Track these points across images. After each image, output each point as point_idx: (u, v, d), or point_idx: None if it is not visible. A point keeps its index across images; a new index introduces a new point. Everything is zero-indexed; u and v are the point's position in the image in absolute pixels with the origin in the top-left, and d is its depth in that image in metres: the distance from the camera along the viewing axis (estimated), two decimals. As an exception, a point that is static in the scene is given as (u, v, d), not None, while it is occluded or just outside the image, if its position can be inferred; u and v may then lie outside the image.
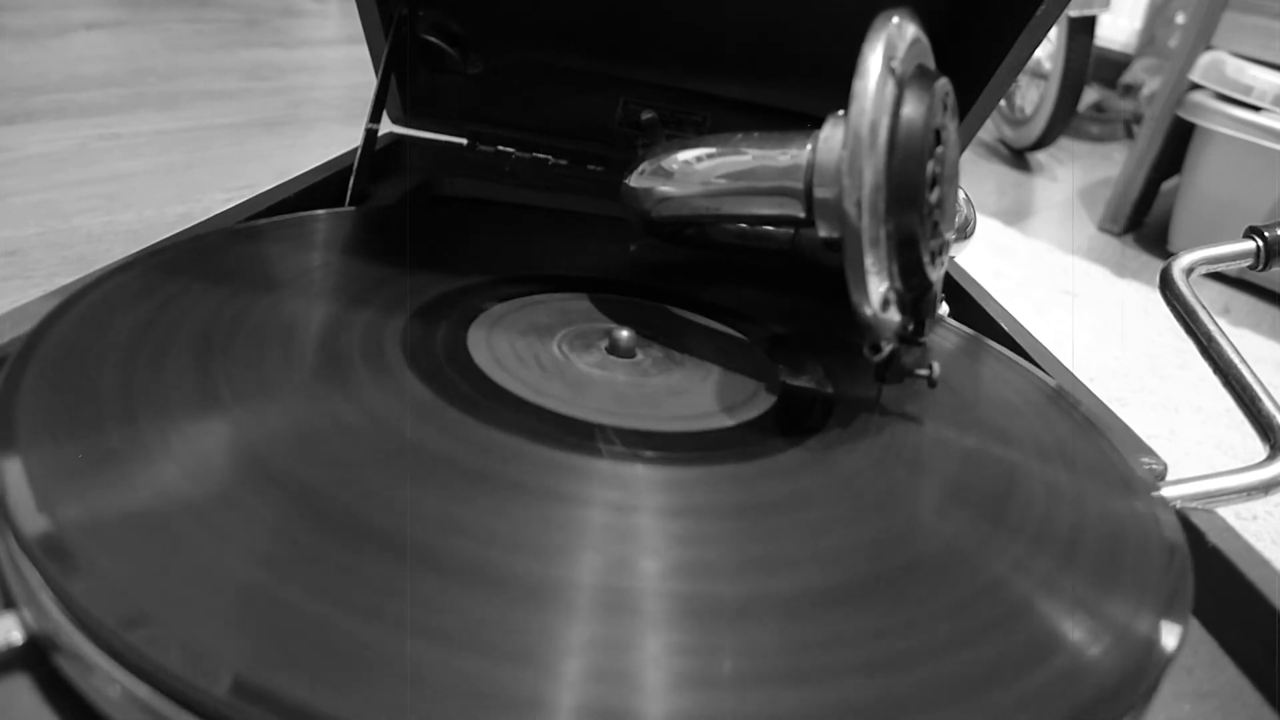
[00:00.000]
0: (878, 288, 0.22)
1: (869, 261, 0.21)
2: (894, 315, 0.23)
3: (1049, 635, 0.18)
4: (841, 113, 0.23)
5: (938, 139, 0.23)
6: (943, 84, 0.23)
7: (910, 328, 0.24)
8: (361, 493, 0.18)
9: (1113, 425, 0.28)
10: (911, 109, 0.21)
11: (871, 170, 0.21)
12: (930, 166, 0.22)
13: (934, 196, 0.23)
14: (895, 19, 0.22)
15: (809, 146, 0.24)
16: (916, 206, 0.22)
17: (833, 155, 0.23)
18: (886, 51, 0.21)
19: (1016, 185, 1.28)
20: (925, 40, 0.24)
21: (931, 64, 0.24)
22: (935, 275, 0.24)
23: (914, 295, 0.24)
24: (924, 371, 0.25)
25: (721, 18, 0.42)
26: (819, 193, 0.23)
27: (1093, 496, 0.23)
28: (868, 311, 0.22)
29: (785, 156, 0.24)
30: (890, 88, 0.21)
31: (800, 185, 0.24)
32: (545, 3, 0.43)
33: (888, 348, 0.24)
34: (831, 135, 0.23)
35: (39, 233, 0.60)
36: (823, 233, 0.24)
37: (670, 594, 0.17)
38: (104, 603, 0.14)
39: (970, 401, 0.28)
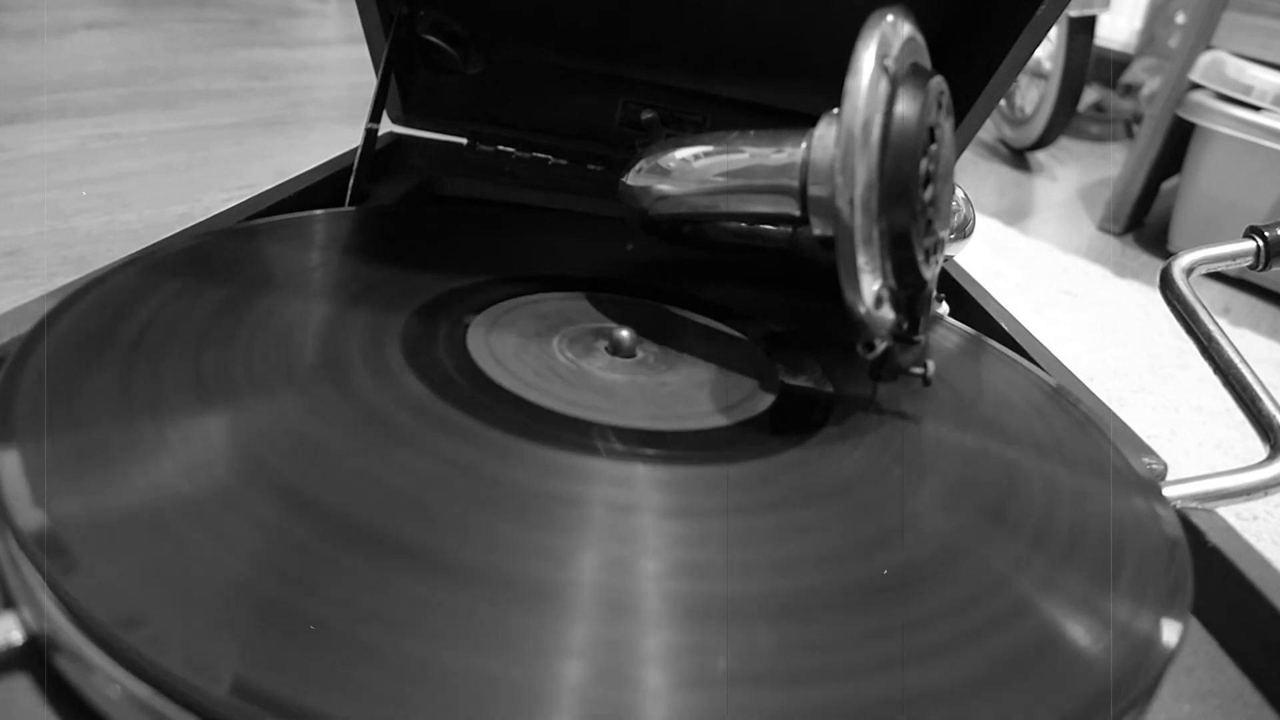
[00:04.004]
0: (871, 286, 0.22)
1: (862, 259, 0.21)
2: (887, 313, 0.23)
3: (1048, 635, 0.18)
4: (836, 111, 0.23)
5: (931, 137, 0.23)
6: (937, 82, 0.23)
7: (905, 326, 0.24)
8: (360, 493, 0.18)
9: (1113, 425, 0.28)
10: (905, 107, 0.21)
11: (864, 168, 0.21)
12: (924, 164, 0.22)
13: (928, 194, 0.23)
14: (890, 17, 0.22)
15: (804, 144, 0.24)
16: (909, 204, 0.22)
17: (826, 153, 0.23)
18: (880, 49, 0.21)
19: (1016, 185, 1.28)
20: (920, 38, 0.24)
21: (927, 62, 0.24)
22: (930, 273, 0.24)
23: (908, 293, 0.24)
24: (919, 370, 0.25)
25: (721, 18, 0.42)
26: (813, 190, 0.23)
27: (1092, 496, 0.23)
28: (861, 309, 0.22)
29: (780, 154, 0.24)
30: (884, 85, 0.21)
31: (795, 183, 0.24)
32: (545, 3, 0.43)
33: (882, 346, 0.24)
34: (825, 133, 0.23)
35: (39, 233, 0.60)
36: (817, 230, 0.24)
37: (669, 594, 0.17)
38: (103, 603, 0.14)
39: (970, 400, 0.28)
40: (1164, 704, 0.20)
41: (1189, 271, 0.31)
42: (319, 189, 0.37)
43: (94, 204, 0.66)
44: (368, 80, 0.39)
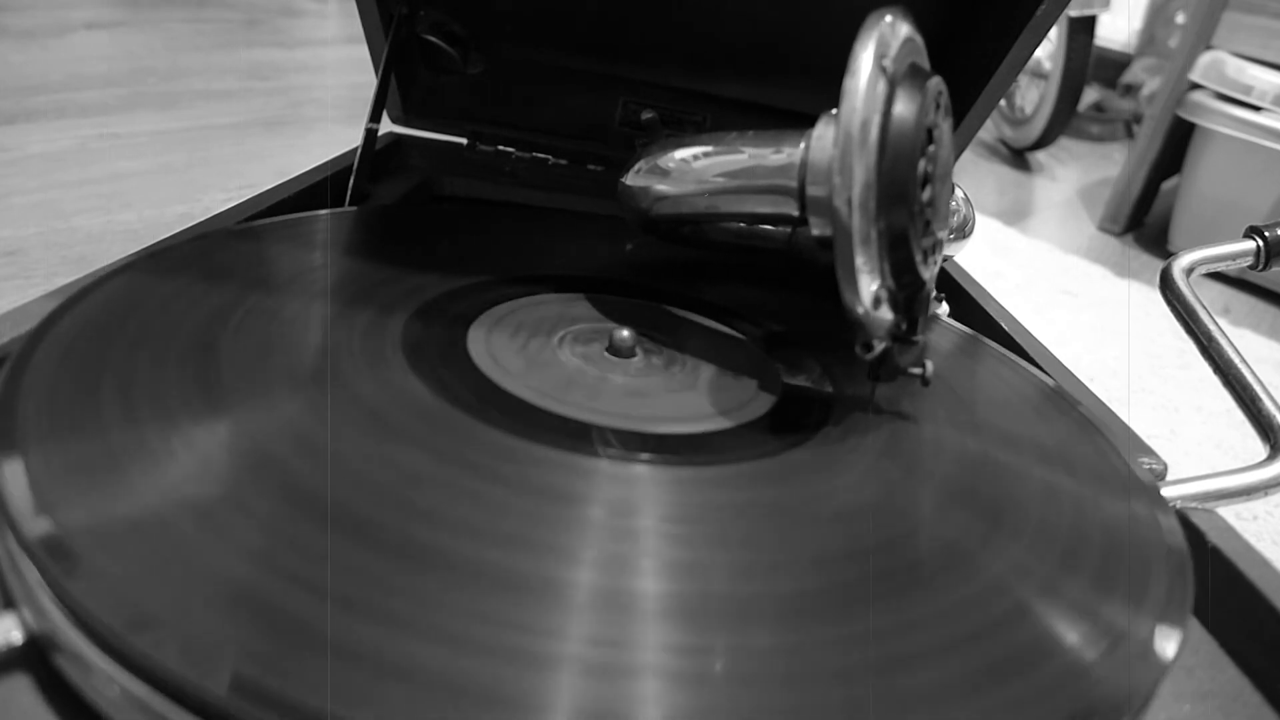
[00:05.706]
0: (869, 286, 0.22)
1: (860, 260, 0.21)
2: (886, 314, 0.23)
3: (1047, 638, 0.18)
4: (834, 111, 0.23)
5: (930, 138, 0.23)
6: (935, 83, 0.23)
7: (903, 326, 0.24)
8: (361, 493, 0.18)
9: (1113, 425, 0.28)
10: (903, 107, 0.21)
11: (862, 168, 0.21)
12: (922, 165, 0.22)
13: (926, 195, 0.23)
14: (888, 17, 0.22)
15: (802, 145, 0.24)
16: (907, 205, 0.22)
17: (825, 153, 0.23)
18: (878, 50, 0.21)
19: (1016, 185, 1.28)
20: (919, 39, 0.24)
21: (925, 63, 0.24)
22: (928, 274, 0.24)
23: (906, 294, 0.24)
24: (917, 370, 0.25)
25: (721, 18, 0.42)
26: (811, 191, 0.23)
27: (1092, 497, 0.23)
28: (859, 310, 0.22)
29: (779, 155, 0.24)
30: (882, 86, 0.21)
31: (794, 183, 0.24)
32: (545, 3, 0.43)
33: (880, 346, 0.24)
34: (824, 133, 0.23)
35: (39, 233, 0.60)
36: (816, 231, 0.24)
37: (667, 594, 0.17)
38: (103, 603, 0.14)
39: (970, 401, 0.28)
40: (1164, 704, 0.20)
41: (1189, 271, 0.31)
42: (319, 189, 0.37)
43: (94, 204, 0.66)
44: (368, 80, 0.39)
